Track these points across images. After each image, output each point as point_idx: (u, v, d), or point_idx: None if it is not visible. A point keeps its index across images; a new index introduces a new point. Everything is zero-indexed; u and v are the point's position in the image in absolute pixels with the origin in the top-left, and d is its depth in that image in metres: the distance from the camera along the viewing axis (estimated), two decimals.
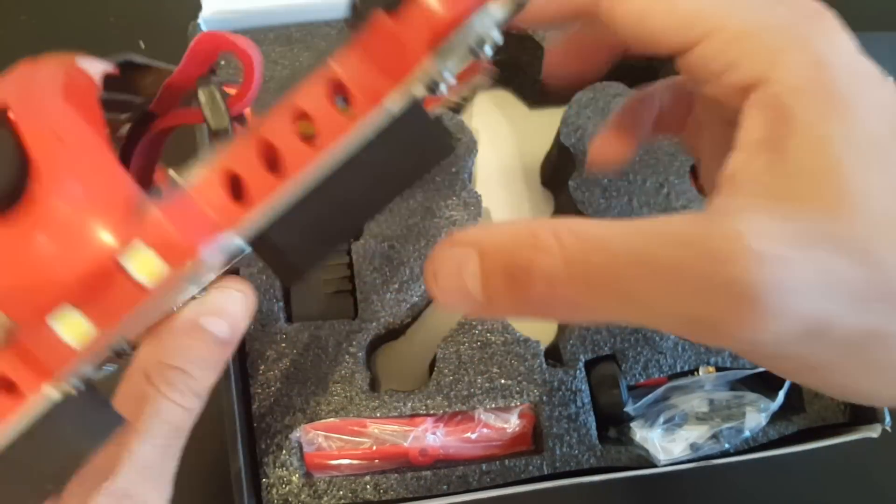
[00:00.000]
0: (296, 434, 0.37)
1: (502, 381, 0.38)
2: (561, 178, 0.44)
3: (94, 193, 0.15)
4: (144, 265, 0.15)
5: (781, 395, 0.39)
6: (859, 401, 0.19)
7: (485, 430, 0.38)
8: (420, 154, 0.16)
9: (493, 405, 0.38)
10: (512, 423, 0.38)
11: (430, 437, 0.38)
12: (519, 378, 0.38)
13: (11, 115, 0.15)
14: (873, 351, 0.16)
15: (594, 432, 0.38)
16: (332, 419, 0.38)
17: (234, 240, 0.16)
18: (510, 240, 0.17)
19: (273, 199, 0.15)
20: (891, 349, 0.16)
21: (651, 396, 0.39)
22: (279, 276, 0.16)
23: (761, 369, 0.39)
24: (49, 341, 0.15)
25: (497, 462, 0.37)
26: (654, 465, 0.37)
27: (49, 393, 0.16)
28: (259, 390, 0.38)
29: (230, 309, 0.24)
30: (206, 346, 0.23)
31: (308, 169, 0.15)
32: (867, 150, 0.16)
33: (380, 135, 0.15)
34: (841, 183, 0.16)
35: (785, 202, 0.16)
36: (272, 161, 0.15)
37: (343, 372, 0.38)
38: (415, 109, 0.15)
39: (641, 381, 0.39)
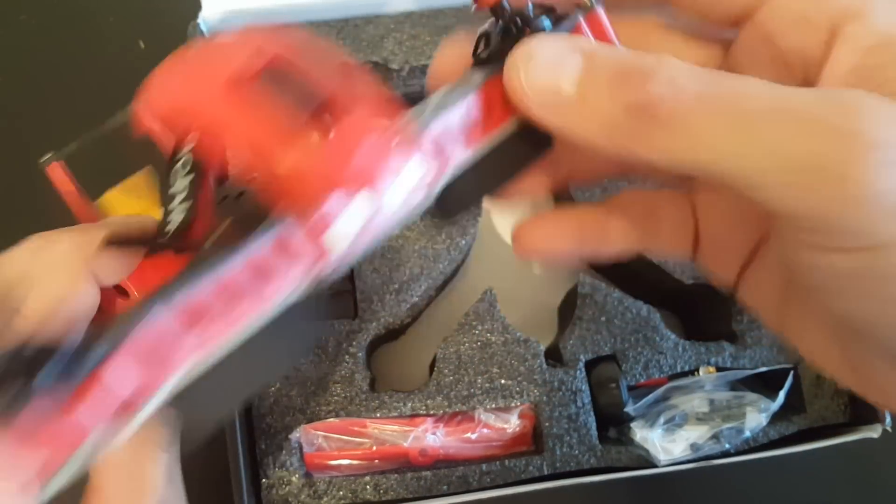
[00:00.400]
0: (296, 434, 0.37)
1: (502, 382, 0.38)
2: None
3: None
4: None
5: (782, 395, 0.39)
6: None
7: (485, 431, 0.38)
8: None
9: (494, 405, 0.38)
10: (512, 423, 0.38)
11: (430, 437, 0.38)
12: (519, 378, 0.38)
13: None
14: None
15: (594, 432, 0.38)
16: (332, 419, 0.38)
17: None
18: (623, 51, 0.17)
19: None
20: None
21: (651, 397, 0.39)
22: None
23: (762, 369, 0.39)
24: (321, 245, 0.17)
25: (497, 462, 0.37)
26: (655, 466, 0.37)
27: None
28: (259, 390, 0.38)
29: None
30: None
31: None
32: None
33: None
34: None
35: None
36: None
37: (343, 372, 0.38)
38: None
39: (642, 381, 0.39)
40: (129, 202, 0.23)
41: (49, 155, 0.22)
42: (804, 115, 0.15)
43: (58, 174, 0.21)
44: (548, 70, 0.16)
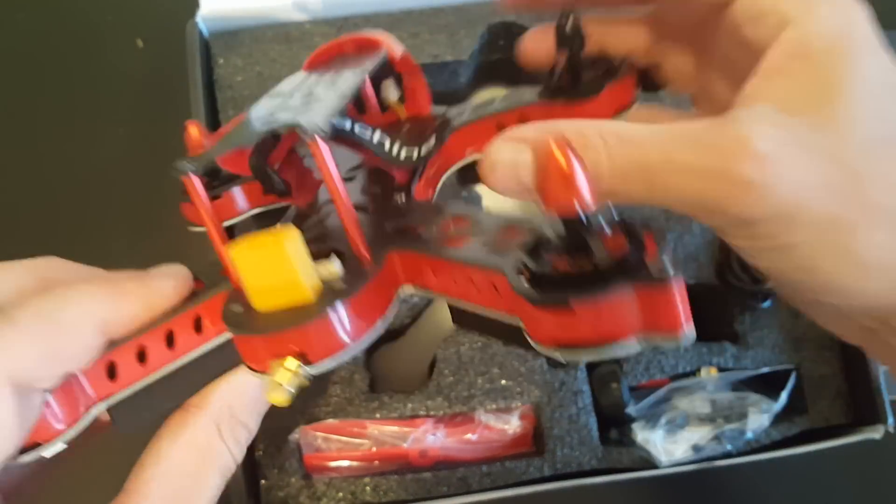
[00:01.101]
0: (295, 436, 0.37)
1: (503, 382, 0.38)
2: None
3: None
4: None
5: (784, 396, 0.38)
6: (820, 287, 0.22)
7: (485, 432, 0.38)
8: None
9: (494, 406, 0.38)
10: (513, 424, 0.38)
11: (431, 438, 0.37)
12: (520, 379, 0.38)
13: None
14: (837, 235, 0.20)
15: (595, 433, 0.38)
16: (331, 420, 0.37)
17: None
18: (559, 134, 0.21)
19: None
20: (852, 236, 0.20)
21: (653, 397, 0.39)
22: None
23: (764, 370, 0.39)
24: None
25: (498, 463, 0.37)
26: (656, 467, 0.37)
27: None
28: None
29: None
30: (265, 404, 0.24)
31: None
32: (866, 87, 0.20)
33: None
34: (836, 106, 0.20)
35: (787, 114, 0.20)
36: None
37: (342, 373, 0.38)
38: None
39: (643, 381, 0.39)
40: (259, 267, 0.19)
41: (186, 162, 0.20)
42: (687, 165, 0.20)
43: (193, 186, 0.20)
44: (508, 174, 0.21)
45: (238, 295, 0.20)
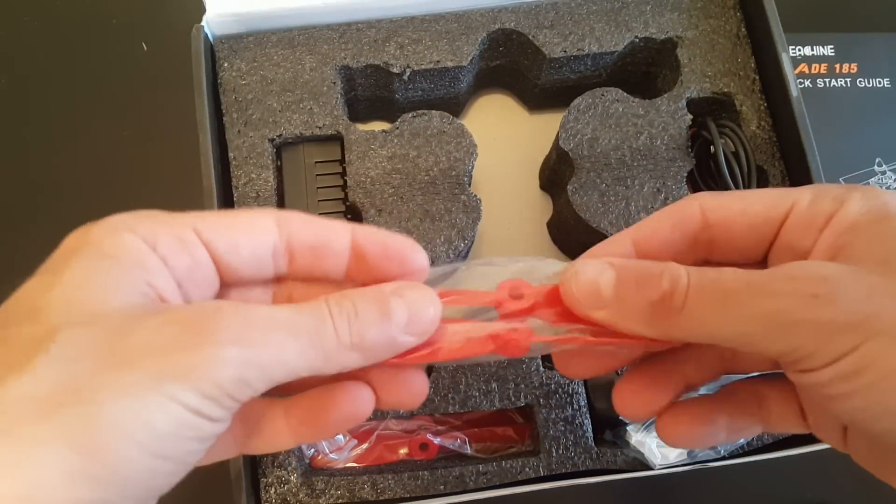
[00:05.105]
0: None
1: (500, 384, 0.38)
2: (559, 182, 0.44)
3: None
4: None
5: None
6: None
7: (482, 432, 0.38)
8: None
9: (491, 407, 0.38)
10: (509, 424, 0.39)
11: (428, 437, 0.38)
12: (517, 380, 0.39)
13: None
14: None
15: (590, 435, 0.38)
16: None
17: None
18: (642, 263, 0.23)
19: None
20: None
21: None
22: None
23: (756, 374, 0.40)
24: None
25: (494, 463, 0.37)
26: (650, 468, 0.37)
27: None
28: None
29: (422, 311, 0.24)
30: (383, 324, 0.22)
31: None
32: None
33: None
34: None
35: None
36: None
37: None
38: None
39: None
40: None
41: None
42: (766, 289, 0.20)
43: None
44: (592, 282, 0.23)
45: None
